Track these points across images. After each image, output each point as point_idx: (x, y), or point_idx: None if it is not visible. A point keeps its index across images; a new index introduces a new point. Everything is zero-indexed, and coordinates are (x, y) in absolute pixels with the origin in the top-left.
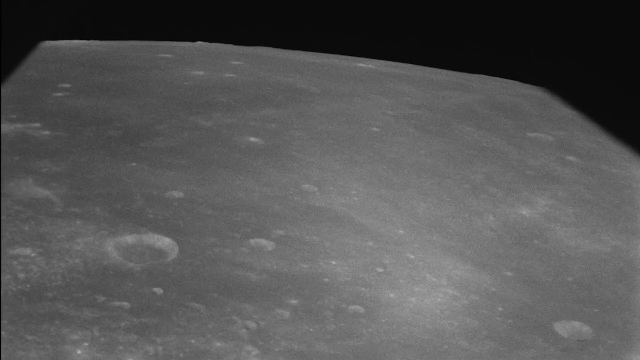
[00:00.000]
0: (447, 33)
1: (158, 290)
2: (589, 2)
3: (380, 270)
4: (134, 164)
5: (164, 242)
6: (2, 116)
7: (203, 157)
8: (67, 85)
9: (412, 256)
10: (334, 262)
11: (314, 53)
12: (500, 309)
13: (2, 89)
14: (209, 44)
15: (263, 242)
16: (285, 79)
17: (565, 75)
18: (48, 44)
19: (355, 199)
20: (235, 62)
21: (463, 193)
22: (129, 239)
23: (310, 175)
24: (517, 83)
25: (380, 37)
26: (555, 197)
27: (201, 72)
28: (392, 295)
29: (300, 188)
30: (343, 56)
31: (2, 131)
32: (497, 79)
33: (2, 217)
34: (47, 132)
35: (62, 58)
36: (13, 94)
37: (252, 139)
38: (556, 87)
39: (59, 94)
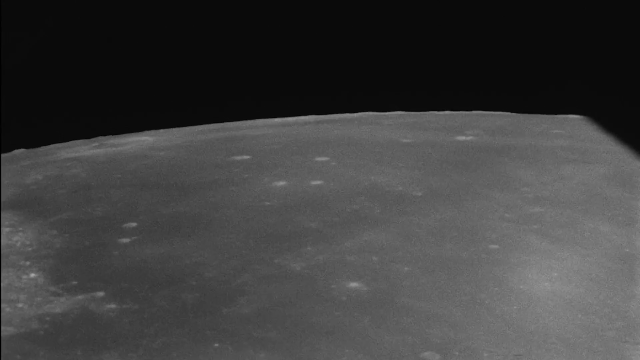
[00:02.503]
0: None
1: None
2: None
3: None
4: (217, 344)
5: None
6: (63, 283)
7: (298, 323)
8: (133, 225)
9: None
10: None
11: (399, 115)
12: None
13: (61, 239)
14: (286, 121)
15: None
16: (379, 178)
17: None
18: (106, 150)
19: None
20: (319, 159)
21: (617, 335)
22: None
23: (429, 335)
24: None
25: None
26: None
27: (283, 183)
28: None
29: (420, 358)
30: (432, 113)
31: (63, 307)
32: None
33: None
34: (114, 306)
35: (125, 177)
36: (73, 244)
37: (353, 285)
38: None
39: (124, 240)
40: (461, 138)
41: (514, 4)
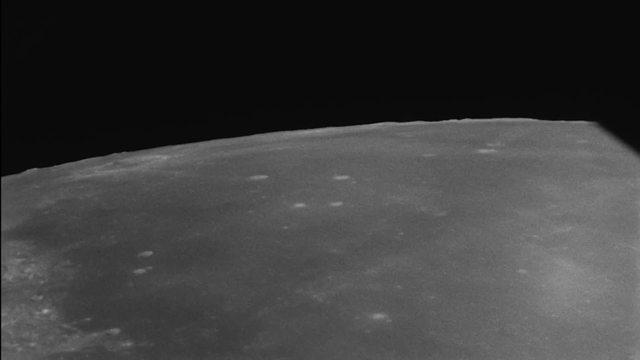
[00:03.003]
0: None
1: None
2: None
3: None
4: None
5: None
6: (76, 319)
7: (321, 359)
8: (148, 254)
9: None
10: None
11: (419, 126)
12: None
13: (73, 269)
14: (303, 135)
15: None
16: (400, 198)
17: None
18: (120, 170)
19: None
20: (339, 177)
21: None
22: None
23: None
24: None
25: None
26: None
27: (302, 205)
28: None
29: None
30: (449, 121)
31: (77, 346)
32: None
33: None
34: (129, 344)
35: (139, 200)
36: (87, 276)
37: (377, 316)
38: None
39: (140, 271)
40: (483, 151)
41: (524, 11)
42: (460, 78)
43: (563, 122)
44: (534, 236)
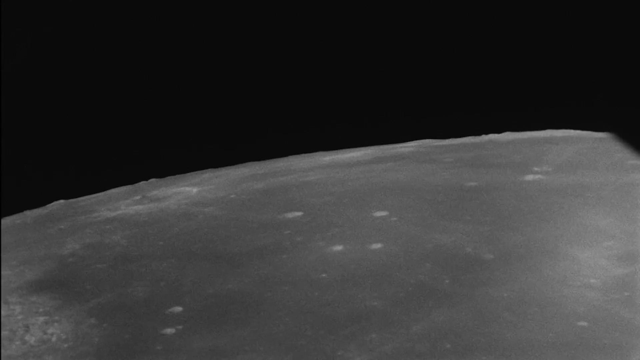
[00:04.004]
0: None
1: None
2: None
3: None
4: None
5: None
6: None
7: None
8: (178, 310)
9: None
10: None
11: (458, 146)
12: None
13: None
14: (337, 160)
15: None
16: (444, 238)
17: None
18: (148, 206)
19: None
20: (378, 214)
21: None
22: None
23: None
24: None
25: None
26: None
27: (340, 247)
28: None
29: None
30: (490, 139)
31: None
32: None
33: None
34: None
35: (168, 244)
36: (113, 337)
37: None
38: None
39: (169, 331)
40: (530, 177)
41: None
42: (491, 89)
43: (606, 135)
44: (592, 281)
